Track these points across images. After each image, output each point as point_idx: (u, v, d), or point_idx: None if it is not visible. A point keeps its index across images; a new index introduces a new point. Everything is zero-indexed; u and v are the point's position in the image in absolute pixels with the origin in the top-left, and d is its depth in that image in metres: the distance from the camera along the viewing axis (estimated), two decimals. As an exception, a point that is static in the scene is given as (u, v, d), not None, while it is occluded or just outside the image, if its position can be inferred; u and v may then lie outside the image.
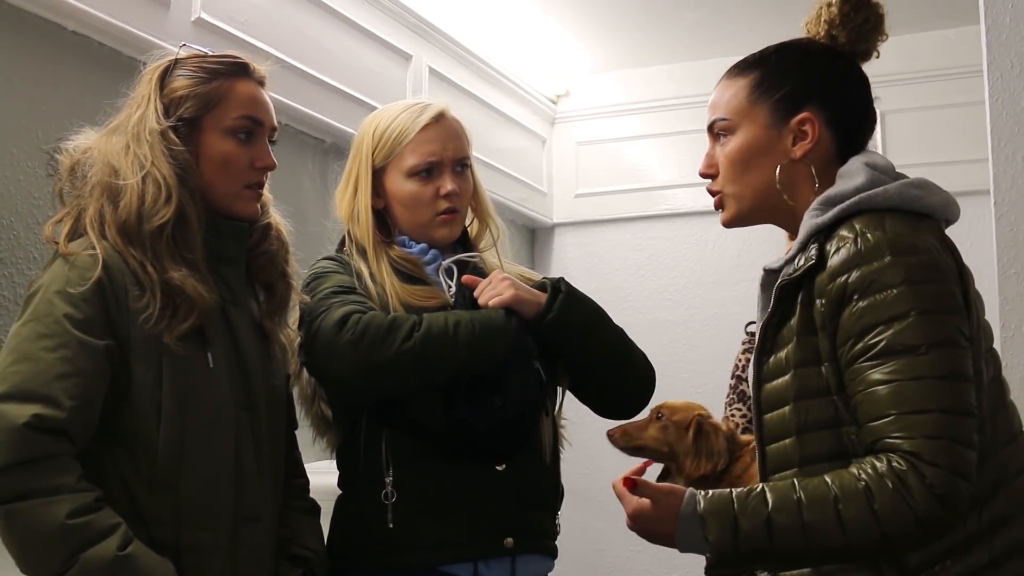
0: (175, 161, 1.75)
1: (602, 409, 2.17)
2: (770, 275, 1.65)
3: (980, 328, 1.54)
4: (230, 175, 1.82)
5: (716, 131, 1.71)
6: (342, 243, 2.15)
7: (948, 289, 1.48)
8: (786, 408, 1.56)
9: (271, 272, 1.92)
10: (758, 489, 1.50)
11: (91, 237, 1.70)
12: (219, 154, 1.80)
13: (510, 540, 1.97)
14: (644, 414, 2.35)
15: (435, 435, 1.95)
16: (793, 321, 1.57)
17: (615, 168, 4.95)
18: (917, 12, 4.20)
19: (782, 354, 1.58)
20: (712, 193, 1.73)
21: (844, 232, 1.53)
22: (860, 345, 1.47)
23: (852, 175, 1.60)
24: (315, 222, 2.66)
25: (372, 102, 3.40)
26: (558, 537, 2.10)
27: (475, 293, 2.03)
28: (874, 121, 1.71)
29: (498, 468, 1.97)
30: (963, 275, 1.54)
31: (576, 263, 5.01)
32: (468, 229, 2.21)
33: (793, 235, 1.67)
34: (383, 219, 2.12)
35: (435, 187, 2.08)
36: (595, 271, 4.90)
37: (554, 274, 4.97)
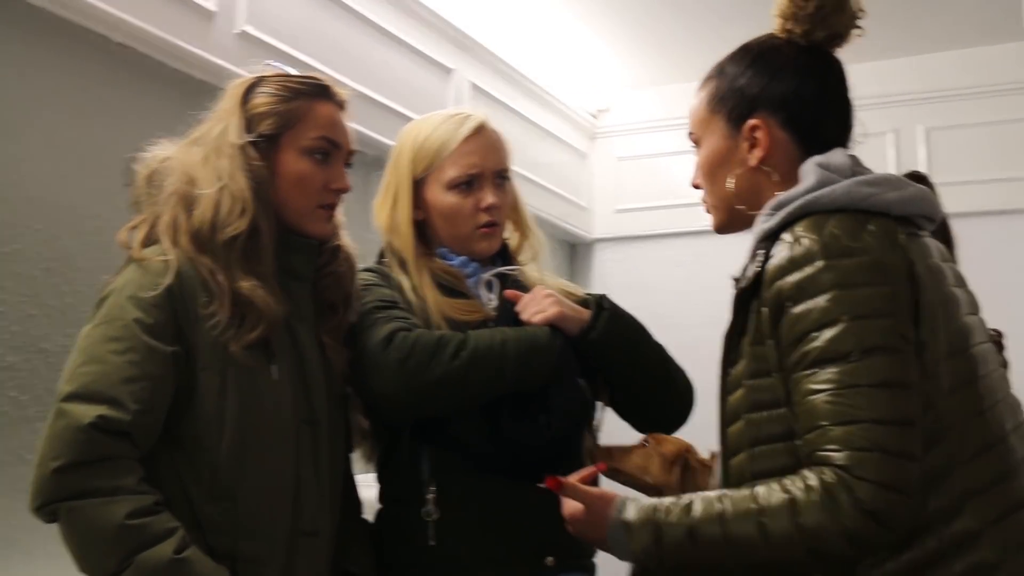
0: (252, 176, 1.77)
1: (643, 425, 2.15)
2: (734, 284, 1.60)
3: (938, 331, 1.45)
4: (304, 194, 1.83)
5: (692, 142, 1.71)
6: (382, 254, 2.14)
7: (886, 291, 1.40)
8: (740, 422, 1.51)
9: (336, 293, 1.93)
10: (686, 500, 1.46)
11: (164, 244, 1.73)
12: (295, 172, 1.82)
13: (551, 559, 1.95)
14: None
15: (479, 453, 1.94)
16: (748, 331, 1.52)
17: (656, 183, 4.94)
18: (963, 29, 4.17)
19: (739, 367, 1.53)
20: (703, 201, 1.73)
21: (786, 236, 1.47)
22: (796, 354, 1.41)
23: (804, 177, 1.54)
24: (357, 235, 2.67)
25: (413, 115, 3.35)
26: (596, 554, 2.09)
27: (518, 308, 2.01)
28: (846, 112, 1.63)
29: (539, 485, 1.95)
30: (915, 275, 1.45)
31: (616, 279, 5.00)
32: (507, 241, 2.20)
33: None
34: (422, 231, 2.10)
35: (475, 199, 2.06)
36: (636, 287, 4.88)
37: (594, 290, 4.95)
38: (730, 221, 1.67)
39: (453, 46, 3.92)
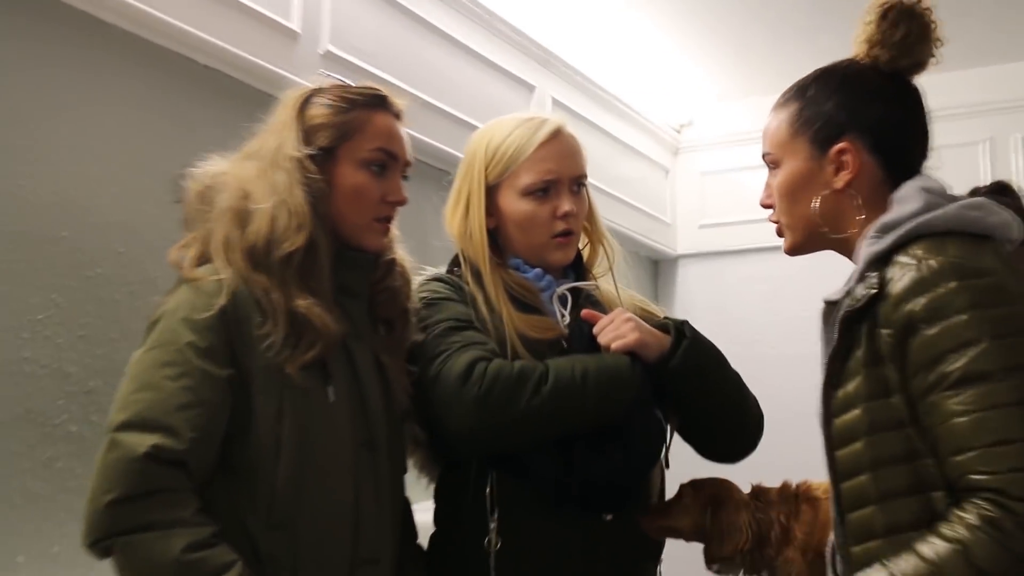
0: (310, 189, 1.73)
1: (711, 454, 2.09)
2: (831, 307, 1.63)
3: None
4: (361, 207, 1.80)
5: (767, 163, 1.73)
6: (454, 262, 2.08)
7: (1019, 310, 1.44)
8: (858, 443, 1.53)
9: (393, 308, 1.89)
10: None
11: (217, 262, 1.69)
12: (352, 185, 1.78)
13: None
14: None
15: (550, 485, 1.87)
16: (859, 353, 1.54)
17: (741, 198, 4.88)
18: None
19: (850, 387, 1.54)
20: (772, 221, 1.75)
21: (904, 259, 1.51)
22: (933, 375, 1.44)
23: (907, 200, 1.57)
24: (438, 255, 2.67)
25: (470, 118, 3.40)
26: None
27: (595, 330, 1.95)
28: (926, 139, 1.67)
29: (606, 518, 1.91)
30: None
31: (700, 295, 4.95)
32: (581, 252, 2.14)
33: (851, 260, 1.67)
34: (494, 239, 2.05)
35: (552, 207, 2.00)
36: (720, 304, 4.83)
37: (678, 307, 4.92)
38: (805, 242, 1.71)
39: (535, 62, 3.92)
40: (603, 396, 1.85)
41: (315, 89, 1.83)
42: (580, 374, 1.84)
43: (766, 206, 1.75)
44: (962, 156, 4.28)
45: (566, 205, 2.00)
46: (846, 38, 1.70)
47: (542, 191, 2.00)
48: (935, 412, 1.43)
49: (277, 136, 1.78)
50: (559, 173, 2.01)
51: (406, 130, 1.89)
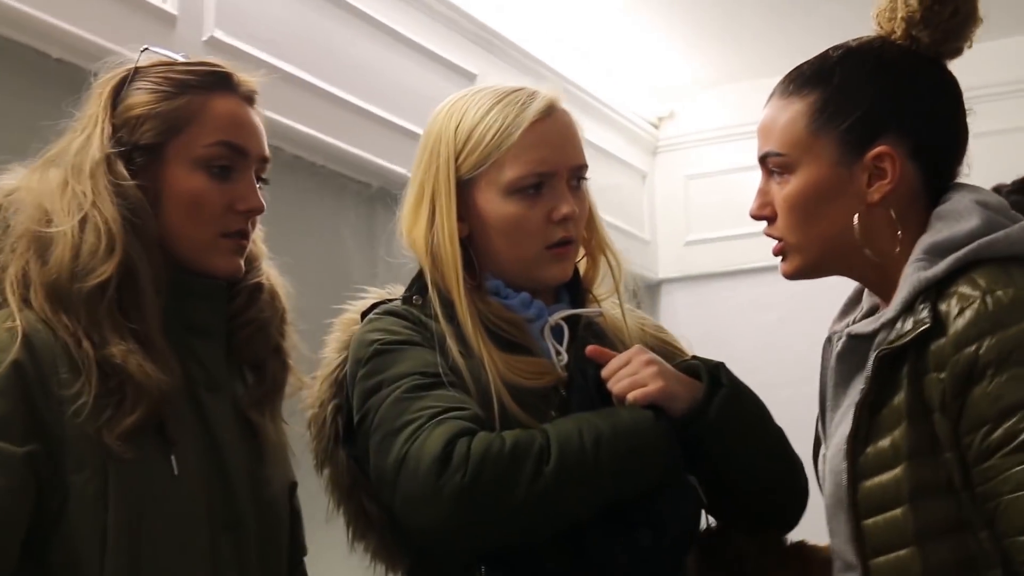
0: (123, 200, 1.65)
1: (746, 526, 1.96)
2: (858, 342, 1.63)
3: None
4: (200, 220, 1.71)
5: (770, 167, 1.71)
6: (414, 286, 1.94)
7: None
8: (899, 510, 1.52)
9: (261, 347, 1.82)
10: None
11: (12, 303, 1.61)
12: (186, 192, 1.70)
13: None
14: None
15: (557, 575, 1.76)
16: (898, 400, 1.53)
17: (735, 206, 4.82)
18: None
19: (886, 442, 1.54)
20: (772, 237, 1.73)
21: (965, 289, 1.50)
22: (999, 432, 1.44)
23: (961, 216, 1.57)
24: (360, 286, 2.65)
25: (413, 127, 3.40)
26: None
27: (605, 374, 1.82)
28: (966, 140, 1.68)
29: None
30: None
31: (689, 328, 4.87)
32: (577, 268, 2.00)
33: (871, 287, 1.70)
34: (466, 253, 1.90)
35: (546, 209, 1.86)
36: (712, 337, 4.79)
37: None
38: (817, 267, 1.71)
39: (476, 46, 3.93)
40: (622, 469, 1.73)
41: (133, 70, 1.74)
42: (591, 442, 1.71)
43: (759, 218, 1.73)
44: (1014, 142, 4.30)
45: (565, 206, 1.87)
46: (856, 8, 1.70)
47: (533, 188, 1.87)
48: (1000, 479, 1.43)
49: (83, 134, 1.70)
50: (556, 164, 1.88)
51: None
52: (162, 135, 1.70)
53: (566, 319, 1.92)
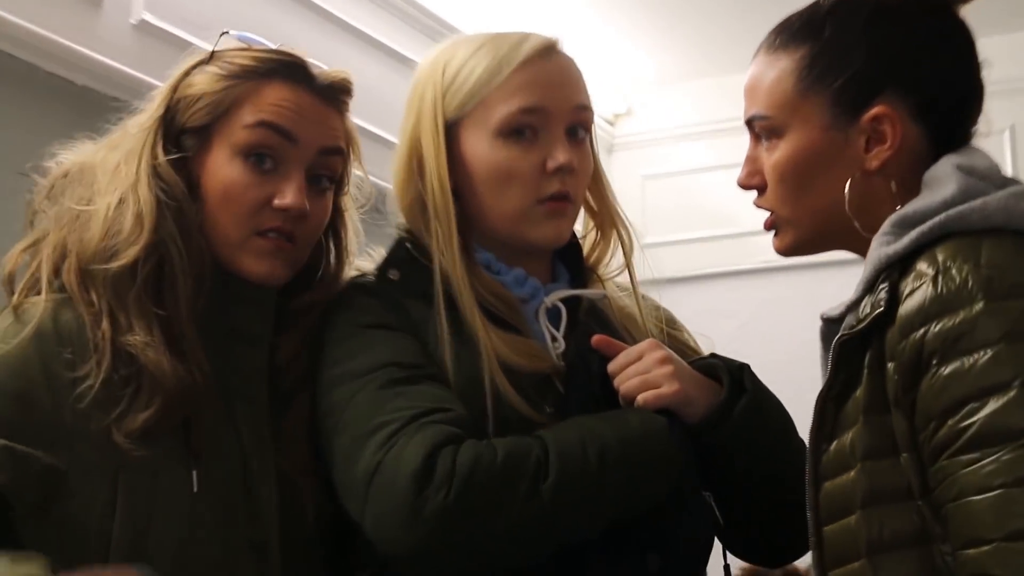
0: (161, 183, 1.62)
1: (759, 554, 1.87)
2: (830, 326, 1.52)
3: None
4: (232, 214, 1.65)
5: (757, 131, 1.61)
6: (392, 257, 1.80)
7: None
8: (852, 517, 1.42)
9: (302, 370, 1.72)
10: None
11: (42, 279, 1.61)
12: (220, 181, 1.65)
13: None
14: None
15: None
16: (859, 392, 1.43)
17: (694, 208, 4.92)
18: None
19: (846, 438, 1.44)
20: (762, 209, 1.64)
21: (922, 266, 1.39)
22: (944, 430, 1.33)
23: (938, 184, 1.46)
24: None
25: (376, 130, 3.38)
26: None
27: (611, 369, 1.69)
28: (981, 98, 1.58)
29: None
30: None
31: (644, 336, 4.97)
32: (579, 241, 1.90)
33: None
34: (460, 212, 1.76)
35: (540, 156, 1.72)
36: (671, 345, 4.85)
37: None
38: (811, 241, 1.61)
39: (421, 34, 3.93)
40: (630, 486, 1.60)
41: (211, 54, 1.71)
42: (596, 455, 1.56)
43: (748, 187, 1.63)
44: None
45: (562, 154, 1.72)
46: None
47: (527, 131, 1.73)
48: (947, 483, 1.32)
49: (146, 114, 1.69)
50: (553, 104, 1.74)
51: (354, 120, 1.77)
52: (209, 116, 1.65)
53: (565, 301, 1.78)
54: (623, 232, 1.88)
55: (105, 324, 1.56)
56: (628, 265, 1.89)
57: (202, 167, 1.66)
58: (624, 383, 1.68)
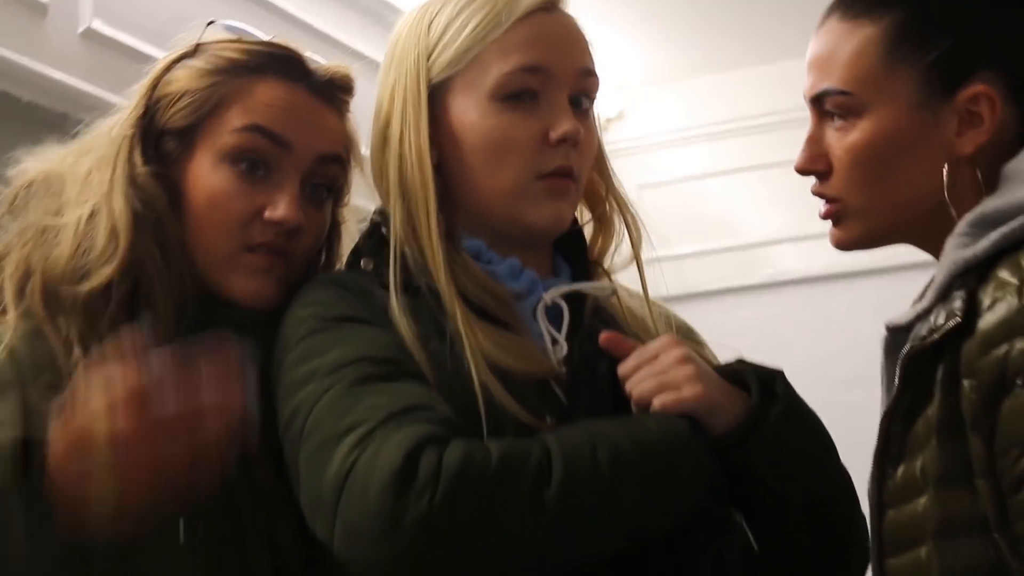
0: (137, 192, 1.57)
1: None
2: (896, 336, 1.48)
3: None
4: (218, 226, 1.60)
5: (827, 108, 1.54)
6: (365, 247, 1.68)
7: None
8: (922, 549, 1.37)
9: None
10: None
11: (7, 301, 1.56)
12: (204, 189, 1.60)
13: None
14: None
15: None
16: (931, 411, 1.38)
17: (695, 218, 4.90)
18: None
19: (916, 463, 1.39)
20: (823, 198, 1.56)
21: (1005, 274, 1.34)
22: None
23: (1021, 179, 1.42)
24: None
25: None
26: None
27: (623, 371, 1.56)
28: None
29: None
30: None
31: (643, 357, 4.96)
32: (580, 229, 1.79)
33: None
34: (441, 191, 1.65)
35: (542, 124, 1.60)
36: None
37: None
38: (883, 234, 1.55)
39: (390, 33, 3.91)
40: (649, 497, 1.47)
41: (196, 46, 1.66)
42: (608, 459, 1.43)
43: (809, 172, 1.56)
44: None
45: (567, 122, 1.61)
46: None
47: (526, 95, 1.62)
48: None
49: (122, 115, 1.64)
50: (555, 65, 1.63)
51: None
52: (193, 117, 1.60)
53: (567, 298, 1.65)
54: (630, 220, 1.80)
55: (77, 352, 1.51)
56: (636, 257, 1.80)
57: (184, 174, 1.61)
58: (638, 385, 1.54)
